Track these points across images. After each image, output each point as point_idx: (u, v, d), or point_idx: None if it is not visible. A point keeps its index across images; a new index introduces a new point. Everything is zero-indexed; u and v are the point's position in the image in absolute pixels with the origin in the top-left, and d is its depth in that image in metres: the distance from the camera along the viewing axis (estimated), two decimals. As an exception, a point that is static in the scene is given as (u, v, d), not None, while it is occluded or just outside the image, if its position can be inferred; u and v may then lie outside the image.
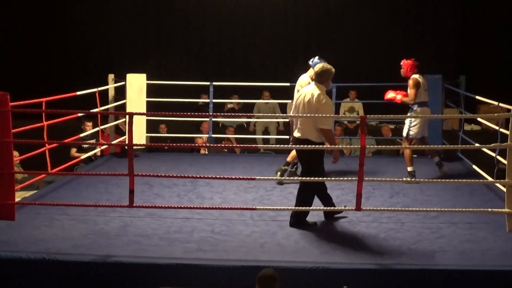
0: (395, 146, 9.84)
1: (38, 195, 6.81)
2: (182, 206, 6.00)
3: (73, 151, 9.09)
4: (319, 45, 13.17)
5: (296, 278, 4.60)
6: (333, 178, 7.18)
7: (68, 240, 5.23)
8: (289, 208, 6.22)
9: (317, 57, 6.85)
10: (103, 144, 9.04)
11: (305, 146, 5.61)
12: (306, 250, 5.12)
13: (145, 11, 13.36)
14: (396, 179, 6.96)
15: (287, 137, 9.78)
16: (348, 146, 10.49)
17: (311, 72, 6.92)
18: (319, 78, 5.85)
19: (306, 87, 6.08)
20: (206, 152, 9.92)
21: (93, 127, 8.80)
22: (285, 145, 7.48)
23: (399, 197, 6.78)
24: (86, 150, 8.95)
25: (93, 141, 8.84)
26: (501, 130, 6.82)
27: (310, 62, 6.92)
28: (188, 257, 4.84)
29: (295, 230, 5.62)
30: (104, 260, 4.77)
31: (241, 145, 9.46)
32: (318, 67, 5.93)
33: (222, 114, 10.54)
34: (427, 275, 4.63)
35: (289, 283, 4.45)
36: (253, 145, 7.36)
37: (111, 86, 9.26)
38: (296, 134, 5.91)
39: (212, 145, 9.47)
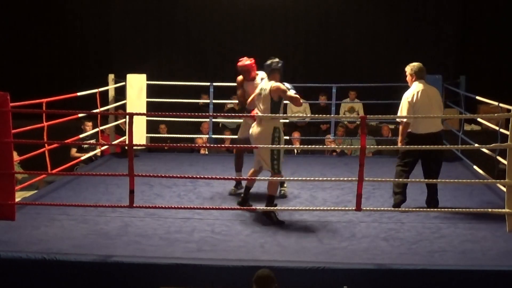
0: (395, 146, 9.81)
1: (38, 195, 6.82)
2: (182, 206, 6.00)
3: (73, 151, 9.10)
4: (319, 45, 13.19)
5: (296, 278, 4.60)
6: (333, 178, 7.20)
7: (68, 240, 5.23)
8: (289, 208, 6.23)
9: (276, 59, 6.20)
10: (104, 144, 9.04)
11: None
12: (306, 250, 5.12)
13: (145, 11, 13.36)
14: (396, 179, 6.95)
15: (287, 137, 9.78)
16: (348, 146, 10.49)
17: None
18: (423, 74, 6.32)
19: (417, 85, 6.26)
20: (206, 152, 9.92)
21: (93, 127, 8.80)
22: (285, 146, 7.50)
23: (399, 197, 6.78)
24: (86, 150, 8.96)
25: (93, 141, 8.85)
26: (501, 130, 6.83)
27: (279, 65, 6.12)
28: (188, 257, 4.84)
29: (295, 230, 5.63)
30: (104, 260, 4.77)
31: (241, 145, 9.45)
32: (419, 66, 6.33)
33: (222, 114, 10.53)
34: (427, 275, 4.63)
35: (289, 283, 4.46)
36: (253, 145, 7.33)
37: (111, 87, 9.26)
38: (432, 129, 6.18)
39: (212, 145, 9.47)
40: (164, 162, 8.64)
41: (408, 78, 6.40)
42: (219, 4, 13.19)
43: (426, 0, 13.06)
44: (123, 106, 9.22)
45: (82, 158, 8.32)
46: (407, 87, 8.18)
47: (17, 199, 5.53)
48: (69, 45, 13.24)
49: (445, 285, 4.63)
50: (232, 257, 4.87)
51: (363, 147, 5.05)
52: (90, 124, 8.97)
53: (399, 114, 6.35)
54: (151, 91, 9.32)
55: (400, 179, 6.19)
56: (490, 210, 5.41)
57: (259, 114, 6.04)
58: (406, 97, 6.25)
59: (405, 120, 6.21)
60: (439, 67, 11.73)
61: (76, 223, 5.72)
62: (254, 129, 6.07)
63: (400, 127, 6.33)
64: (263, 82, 6.26)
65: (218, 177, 6.66)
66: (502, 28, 12.65)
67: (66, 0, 13.48)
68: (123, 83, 9.09)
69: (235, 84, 9.68)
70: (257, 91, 6.22)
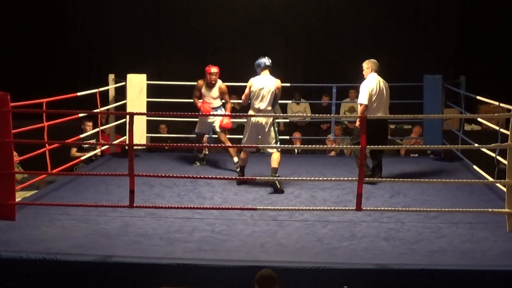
0: (395, 146, 9.84)
1: (39, 195, 6.82)
2: (183, 206, 6.00)
3: (73, 151, 9.08)
4: (319, 45, 13.18)
5: (296, 278, 4.60)
6: (333, 178, 7.20)
7: (69, 240, 5.23)
8: (289, 208, 6.23)
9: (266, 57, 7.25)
10: (104, 144, 9.03)
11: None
12: (306, 250, 5.12)
13: (145, 11, 13.37)
14: (396, 179, 6.97)
15: (288, 137, 9.79)
16: (348, 146, 10.47)
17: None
18: (378, 68, 7.34)
19: (376, 77, 7.28)
20: (207, 152, 9.92)
21: (93, 127, 8.80)
22: (285, 145, 7.51)
23: (399, 197, 6.78)
24: (86, 150, 8.94)
25: (93, 141, 8.84)
26: (502, 130, 6.82)
27: (268, 62, 7.19)
28: (188, 257, 4.84)
29: (295, 230, 5.63)
30: (104, 260, 4.77)
31: (241, 145, 9.45)
32: (375, 61, 7.33)
33: (222, 114, 10.52)
34: (427, 275, 4.63)
35: (289, 283, 4.46)
36: (253, 145, 7.36)
37: (111, 87, 9.26)
38: (382, 114, 7.18)
39: (212, 145, 9.47)
40: (164, 162, 8.64)
41: (365, 71, 7.41)
42: (219, 4, 13.19)
43: (427, 0, 13.06)
44: (124, 106, 9.22)
45: (82, 158, 8.32)
46: (407, 87, 8.22)
47: (17, 199, 5.53)
48: (69, 45, 13.24)
49: (445, 285, 4.63)
50: (232, 257, 4.87)
51: (363, 147, 5.05)
52: (90, 124, 8.96)
53: (359, 99, 7.30)
54: (151, 91, 9.32)
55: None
56: (490, 210, 5.41)
57: (263, 106, 7.10)
58: (367, 86, 7.25)
59: (365, 103, 7.18)
60: (439, 67, 11.75)
61: (76, 223, 5.72)
62: (261, 119, 7.08)
63: (360, 109, 7.27)
64: (261, 78, 7.16)
65: (218, 177, 6.66)
66: (502, 28, 12.65)
67: (67, 0, 13.48)
68: (123, 83, 9.09)
69: (235, 84, 9.75)
70: (259, 87, 7.12)
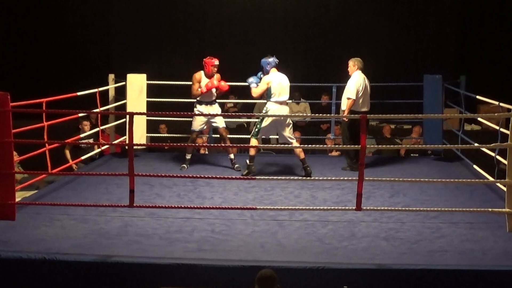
0: (395, 146, 9.84)
1: (39, 195, 6.81)
2: (183, 206, 6.00)
3: (67, 153, 8.86)
4: (319, 45, 13.18)
5: (296, 278, 4.60)
6: (333, 178, 7.20)
7: (69, 240, 5.23)
8: (289, 208, 6.23)
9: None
10: (104, 144, 9.02)
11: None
12: (306, 250, 5.12)
13: (145, 11, 13.36)
14: (396, 179, 6.96)
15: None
16: (348, 146, 10.47)
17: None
18: (362, 66, 8.03)
19: (360, 74, 7.95)
20: (206, 152, 9.92)
21: (91, 127, 8.78)
22: (285, 145, 7.51)
23: (399, 196, 6.78)
24: (84, 150, 8.90)
25: (90, 140, 8.80)
26: (501, 130, 6.82)
27: (277, 61, 7.72)
28: (188, 257, 4.84)
29: (295, 230, 5.63)
30: (104, 260, 4.77)
31: (241, 145, 9.46)
32: (360, 59, 8.01)
33: (222, 114, 10.53)
34: (427, 275, 4.63)
35: (289, 283, 4.45)
36: (253, 145, 7.37)
37: (111, 86, 9.25)
38: (367, 108, 7.93)
39: (212, 145, 9.47)
40: (164, 162, 8.64)
41: (351, 68, 8.03)
42: (219, 4, 13.18)
43: (427, 0, 13.06)
44: (123, 106, 9.21)
45: (82, 158, 8.29)
46: (407, 87, 8.19)
47: (17, 199, 5.53)
48: (69, 45, 13.24)
49: (445, 285, 4.63)
50: (232, 257, 4.87)
51: (363, 147, 5.05)
52: (87, 123, 8.91)
53: (347, 93, 7.88)
54: (151, 91, 9.32)
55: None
56: (490, 210, 5.41)
57: (285, 98, 7.64)
58: (355, 82, 7.89)
59: (354, 98, 7.81)
60: (439, 67, 11.73)
61: (76, 223, 5.72)
62: (283, 113, 7.58)
63: (349, 103, 7.86)
64: (277, 74, 7.67)
65: (218, 177, 6.66)
66: (502, 28, 12.65)
67: (67, 0, 13.48)
68: (123, 83, 9.09)
69: (234, 84, 9.75)
70: (278, 82, 7.62)
